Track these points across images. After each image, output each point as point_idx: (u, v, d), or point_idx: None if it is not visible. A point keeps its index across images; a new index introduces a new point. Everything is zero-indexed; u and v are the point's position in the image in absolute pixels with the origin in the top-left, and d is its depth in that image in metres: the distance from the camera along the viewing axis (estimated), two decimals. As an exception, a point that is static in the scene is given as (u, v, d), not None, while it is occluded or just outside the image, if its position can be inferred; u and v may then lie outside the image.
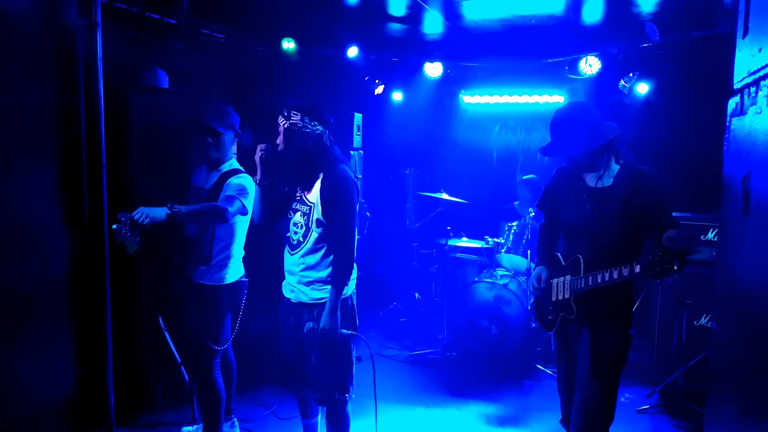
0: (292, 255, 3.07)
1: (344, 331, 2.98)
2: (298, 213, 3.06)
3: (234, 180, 3.37)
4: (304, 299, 3.05)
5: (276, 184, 3.14)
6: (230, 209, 3.24)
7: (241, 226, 3.48)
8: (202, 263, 3.36)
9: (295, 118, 2.97)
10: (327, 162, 3.04)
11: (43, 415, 3.02)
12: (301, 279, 3.05)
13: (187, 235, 3.37)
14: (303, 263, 3.03)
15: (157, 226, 3.03)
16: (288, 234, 3.11)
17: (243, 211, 3.35)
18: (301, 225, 3.03)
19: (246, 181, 3.40)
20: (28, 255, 2.88)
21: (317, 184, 3.02)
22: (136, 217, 2.97)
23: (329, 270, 3.01)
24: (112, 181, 3.30)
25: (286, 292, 3.15)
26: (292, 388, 3.29)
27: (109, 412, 3.35)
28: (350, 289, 3.08)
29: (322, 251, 3.01)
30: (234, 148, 3.55)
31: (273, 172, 3.10)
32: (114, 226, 2.99)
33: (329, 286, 2.99)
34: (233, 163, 3.50)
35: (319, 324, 2.95)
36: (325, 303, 2.99)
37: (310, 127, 2.99)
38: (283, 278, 3.19)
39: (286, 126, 2.98)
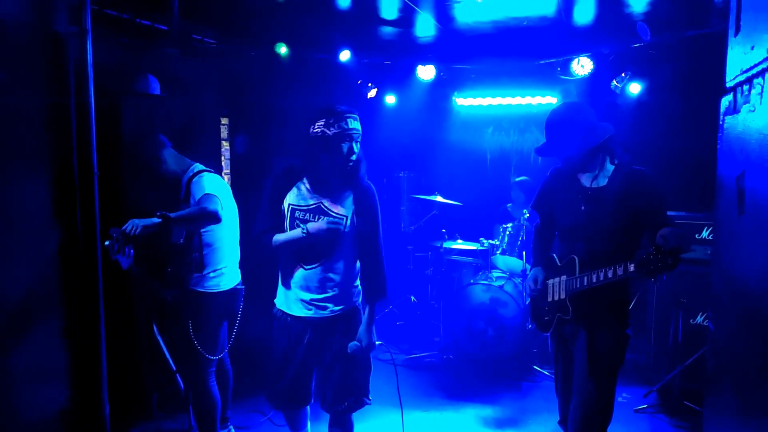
0: (307, 270, 2.88)
1: (378, 342, 3.00)
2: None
3: (200, 180, 3.30)
4: (325, 313, 2.91)
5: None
6: (219, 209, 3.18)
7: (227, 228, 3.41)
8: (196, 270, 3.32)
9: (355, 122, 2.81)
10: (360, 174, 2.90)
11: (36, 425, 2.99)
12: (322, 294, 2.90)
13: (174, 242, 3.33)
14: (325, 277, 2.88)
15: (150, 235, 3.00)
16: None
17: (216, 198, 3.26)
18: None
19: (211, 179, 3.33)
20: (19, 263, 2.85)
21: (346, 196, 2.89)
22: (127, 230, 2.92)
23: (356, 283, 2.97)
24: (104, 187, 3.28)
25: (297, 311, 2.94)
26: (292, 408, 3.14)
27: (104, 421, 3.33)
28: None
29: (349, 264, 2.93)
30: (172, 154, 3.44)
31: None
32: (106, 243, 2.92)
33: (356, 299, 2.97)
34: (196, 167, 3.42)
35: (364, 341, 2.89)
36: (346, 313, 2.95)
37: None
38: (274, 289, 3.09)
39: (351, 134, 2.79)
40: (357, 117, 2.84)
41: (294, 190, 2.92)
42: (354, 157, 2.82)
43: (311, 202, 2.88)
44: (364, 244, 2.92)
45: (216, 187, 3.30)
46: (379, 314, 6.50)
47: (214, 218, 3.16)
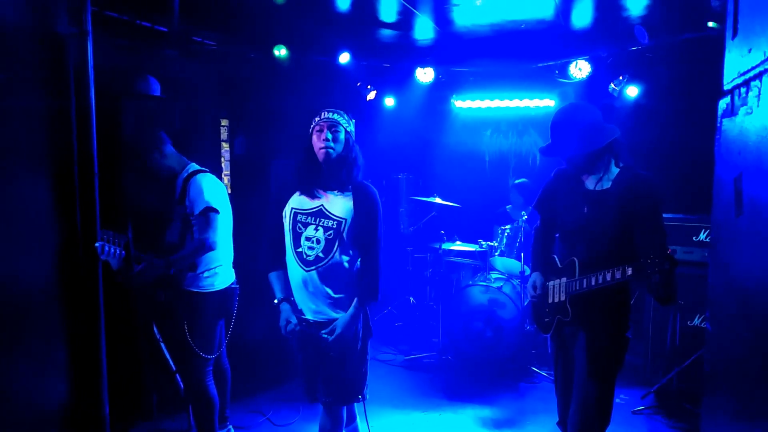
0: (308, 271, 2.89)
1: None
2: (312, 227, 2.89)
3: (198, 183, 3.30)
4: (321, 318, 2.93)
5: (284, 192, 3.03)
6: (217, 233, 3.26)
7: (221, 229, 3.41)
8: (190, 270, 3.34)
9: (333, 114, 2.92)
10: (356, 175, 2.96)
11: (37, 426, 3.00)
12: (321, 297, 2.91)
13: (169, 241, 3.35)
14: (325, 279, 2.89)
15: (148, 236, 3.03)
16: (299, 249, 2.91)
17: (216, 215, 3.31)
18: (319, 240, 2.87)
19: (210, 183, 3.34)
20: (20, 263, 2.86)
21: (346, 199, 2.91)
22: (145, 272, 3.05)
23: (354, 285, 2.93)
24: (103, 188, 3.29)
25: (297, 312, 2.99)
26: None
27: (104, 422, 3.33)
28: None
29: (349, 266, 2.91)
30: (171, 151, 3.47)
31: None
32: (97, 244, 2.96)
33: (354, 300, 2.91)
34: (191, 167, 3.43)
35: (335, 331, 2.86)
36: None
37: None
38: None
39: (347, 130, 2.94)
40: (339, 112, 2.95)
41: (296, 194, 2.99)
42: (331, 144, 2.87)
43: (313, 205, 2.93)
44: (361, 244, 2.91)
45: (215, 193, 3.31)
46: (377, 315, 6.51)
47: (209, 250, 3.26)
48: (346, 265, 2.90)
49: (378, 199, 2.97)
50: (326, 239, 2.86)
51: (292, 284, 2.99)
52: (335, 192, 2.93)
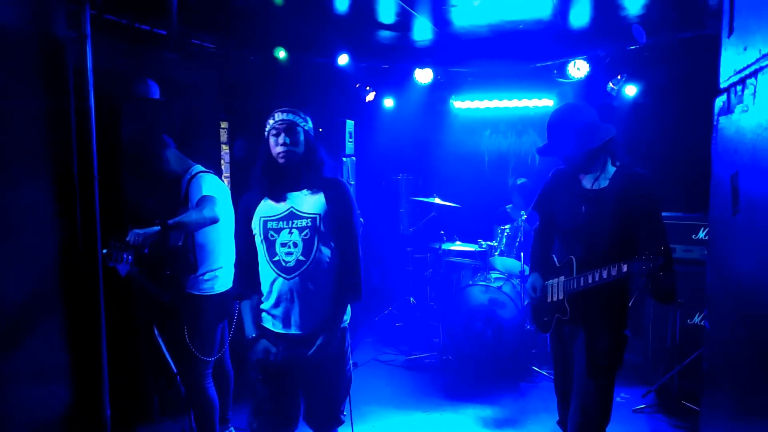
0: (290, 279, 2.71)
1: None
2: (285, 231, 2.72)
3: (198, 181, 3.31)
4: (311, 327, 2.77)
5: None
6: (216, 211, 3.20)
7: (223, 230, 3.42)
8: (191, 272, 3.35)
9: (285, 114, 2.75)
10: (325, 170, 2.84)
11: (37, 429, 3.00)
12: (309, 302, 2.74)
13: (173, 245, 3.36)
14: (312, 281, 2.73)
15: (152, 244, 3.04)
16: (275, 258, 2.73)
17: (214, 199, 3.28)
18: (296, 243, 2.71)
19: (209, 180, 3.35)
20: (20, 266, 2.87)
21: (317, 195, 2.78)
22: (130, 241, 2.97)
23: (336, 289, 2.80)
24: (104, 191, 3.30)
25: (284, 327, 2.80)
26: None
27: (105, 424, 3.34)
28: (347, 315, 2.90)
29: (332, 263, 2.78)
30: (175, 154, 3.46)
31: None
32: (104, 251, 2.94)
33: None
34: (195, 168, 3.45)
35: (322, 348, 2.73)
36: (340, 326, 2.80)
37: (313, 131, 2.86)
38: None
39: (305, 129, 2.78)
40: (294, 110, 2.78)
41: (263, 202, 2.83)
42: (291, 148, 2.71)
43: (282, 208, 2.78)
44: (339, 239, 2.80)
45: (214, 188, 3.32)
46: (378, 316, 6.51)
47: (212, 221, 3.20)
48: (328, 261, 2.76)
49: (350, 192, 2.88)
50: (303, 240, 2.70)
51: (271, 299, 2.79)
52: (304, 191, 2.79)
